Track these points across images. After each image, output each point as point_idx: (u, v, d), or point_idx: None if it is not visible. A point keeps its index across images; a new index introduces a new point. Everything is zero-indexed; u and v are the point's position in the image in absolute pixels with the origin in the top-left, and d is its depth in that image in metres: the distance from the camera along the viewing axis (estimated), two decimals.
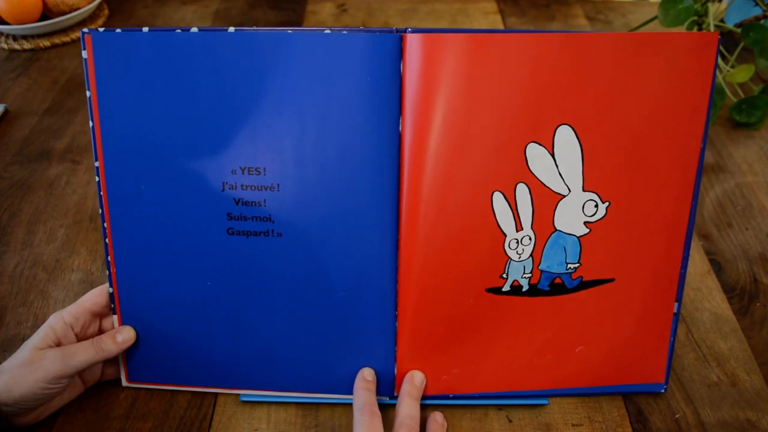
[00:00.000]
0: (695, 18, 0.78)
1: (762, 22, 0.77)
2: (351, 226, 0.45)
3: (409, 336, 0.47)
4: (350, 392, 0.47)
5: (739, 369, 0.51)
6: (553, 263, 0.46)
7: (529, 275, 0.46)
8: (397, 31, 0.42)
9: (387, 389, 0.48)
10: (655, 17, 0.79)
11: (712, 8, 0.77)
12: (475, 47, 0.41)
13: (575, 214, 0.45)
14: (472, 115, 0.42)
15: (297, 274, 0.46)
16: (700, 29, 0.79)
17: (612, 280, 0.47)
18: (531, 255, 0.46)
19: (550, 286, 0.47)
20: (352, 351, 0.47)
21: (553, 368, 0.48)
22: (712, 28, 0.77)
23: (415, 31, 0.41)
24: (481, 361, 0.48)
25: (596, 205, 0.45)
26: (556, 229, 0.45)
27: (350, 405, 0.48)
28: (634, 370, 0.49)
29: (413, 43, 0.41)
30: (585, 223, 0.45)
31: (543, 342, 0.48)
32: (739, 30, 0.77)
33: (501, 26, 0.97)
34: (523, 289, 0.46)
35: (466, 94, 0.42)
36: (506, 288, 0.46)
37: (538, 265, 0.46)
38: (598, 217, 0.45)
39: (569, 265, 0.46)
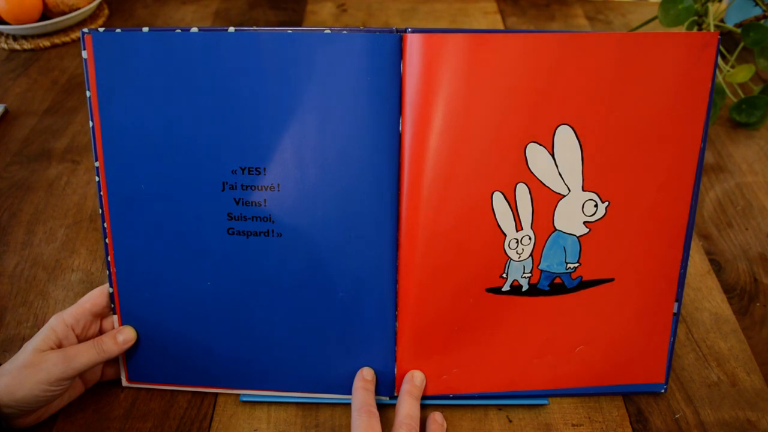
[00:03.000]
0: (695, 18, 0.78)
1: (762, 22, 0.77)
2: (351, 226, 0.45)
3: (409, 336, 0.47)
4: (350, 392, 0.47)
5: (739, 369, 0.51)
6: (553, 263, 0.46)
7: (529, 275, 0.46)
8: (397, 31, 0.42)
9: (387, 389, 0.48)
10: (655, 17, 0.79)
11: (712, 8, 0.77)
12: (475, 47, 0.41)
13: (575, 213, 0.45)
14: (472, 114, 0.42)
15: (297, 275, 0.46)
16: (700, 29, 0.79)
17: (612, 279, 0.47)
18: (531, 255, 0.46)
19: (549, 286, 0.47)
20: (352, 351, 0.47)
21: (553, 368, 0.48)
22: (712, 28, 0.77)
23: (415, 31, 0.41)
24: (481, 360, 0.48)
25: (596, 205, 0.45)
26: (555, 229, 0.45)
27: (350, 405, 0.48)
28: (634, 369, 0.49)
29: (413, 43, 0.41)
30: (585, 222, 0.45)
31: (543, 342, 0.48)
32: (739, 30, 0.77)
33: (501, 26, 0.97)
34: (523, 289, 0.46)
35: (466, 94, 0.42)
36: (506, 288, 0.46)
37: (538, 264, 0.46)
38: (598, 217, 0.45)
39: (569, 265, 0.46)
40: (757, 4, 0.83)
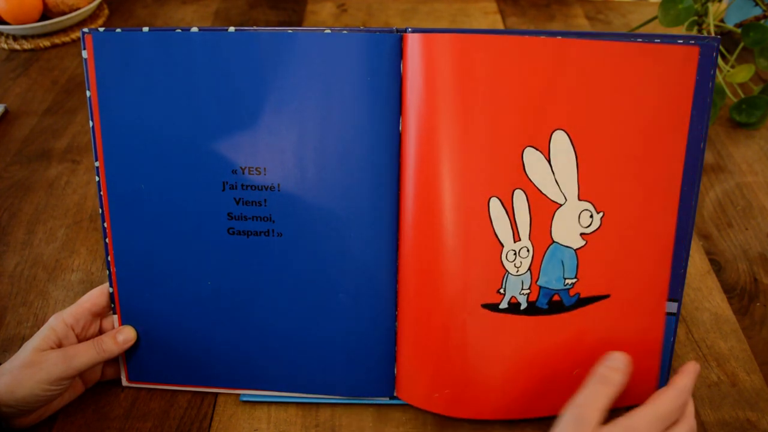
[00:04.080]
0: (695, 18, 0.78)
1: (762, 22, 0.77)
2: (351, 226, 0.45)
3: (409, 337, 0.46)
4: (350, 393, 0.47)
5: (739, 369, 0.51)
6: (552, 278, 0.44)
7: (528, 291, 0.45)
8: (397, 31, 0.42)
9: (387, 389, 0.48)
10: (655, 17, 0.79)
11: (712, 8, 0.77)
12: (474, 47, 0.41)
13: (572, 224, 0.44)
14: (472, 114, 0.42)
15: (297, 274, 0.46)
16: (700, 29, 0.79)
17: (607, 296, 0.45)
18: (529, 268, 0.44)
19: (548, 304, 0.45)
20: (352, 351, 0.47)
21: (548, 394, 0.46)
22: (712, 28, 0.77)
23: (415, 31, 0.41)
24: (474, 385, 0.46)
25: (591, 216, 0.44)
26: (553, 241, 0.44)
27: (350, 405, 0.48)
28: (627, 391, 0.44)
29: (413, 43, 0.41)
30: (581, 234, 0.44)
31: (541, 366, 0.46)
32: (739, 30, 0.77)
33: (501, 26, 0.97)
34: (522, 307, 0.45)
35: (466, 94, 0.42)
36: (503, 305, 0.45)
37: (537, 280, 0.44)
38: (593, 228, 0.44)
39: (567, 281, 0.45)
40: (757, 4, 0.83)
